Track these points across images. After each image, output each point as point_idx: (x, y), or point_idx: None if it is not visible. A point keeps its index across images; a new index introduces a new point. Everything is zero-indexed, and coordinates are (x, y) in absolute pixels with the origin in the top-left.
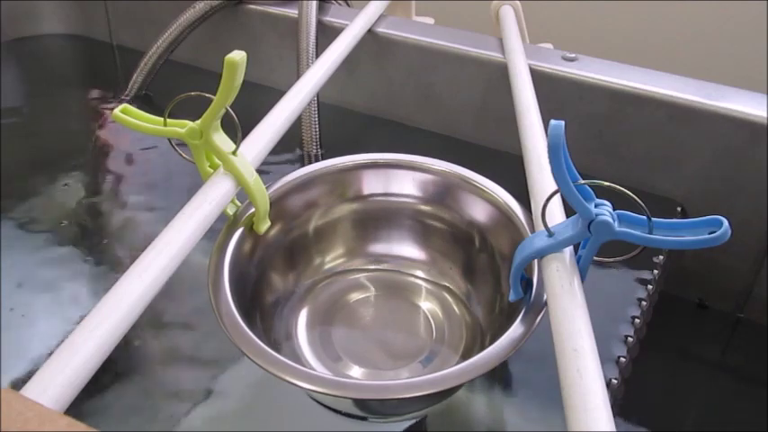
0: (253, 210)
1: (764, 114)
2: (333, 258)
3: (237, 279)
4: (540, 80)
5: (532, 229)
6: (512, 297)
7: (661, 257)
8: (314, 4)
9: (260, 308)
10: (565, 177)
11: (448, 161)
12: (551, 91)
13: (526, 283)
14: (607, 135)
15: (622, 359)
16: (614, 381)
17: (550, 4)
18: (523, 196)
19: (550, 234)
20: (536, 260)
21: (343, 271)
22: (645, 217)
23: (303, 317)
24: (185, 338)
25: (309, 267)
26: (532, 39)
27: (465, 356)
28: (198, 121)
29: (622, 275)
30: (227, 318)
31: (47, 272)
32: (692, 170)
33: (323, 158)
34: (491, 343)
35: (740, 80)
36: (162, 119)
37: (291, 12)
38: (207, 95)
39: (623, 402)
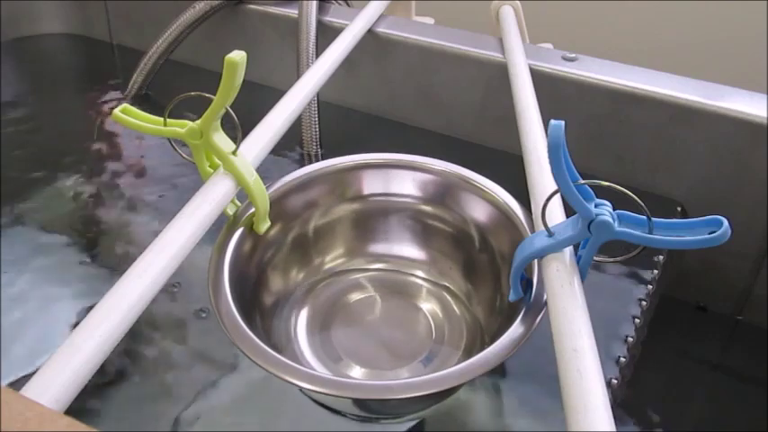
0: (253, 210)
1: (764, 114)
2: (333, 258)
3: (237, 279)
4: (540, 80)
5: (532, 229)
6: (512, 297)
7: (661, 257)
8: (314, 4)
9: (260, 308)
10: (565, 177)
11: (448, 161)
12: (551, 91)
13: (526, 282)
14: (607, 135)
15: (622, 359)
16: (614, 381)
17: (550, 4)
18: (523, 196)
19: (550, 234)
20: (536, 260)
21: (343, 271)
22: (645, 217)
23: (303, 317)
24: (185, 338)
25: (309, 267)
26: (532, 39)
27: (465, 356)
28: (198, 121)
29: (622, 275)
30: (227, 318)
31: (46, 271)
32: (692, 170)
33: (323, 158)
34: (491, 343)
35: (740, 80)
36: (162, 119)
37: (291, 12)
38: (207, 95)
39: (623, 402)
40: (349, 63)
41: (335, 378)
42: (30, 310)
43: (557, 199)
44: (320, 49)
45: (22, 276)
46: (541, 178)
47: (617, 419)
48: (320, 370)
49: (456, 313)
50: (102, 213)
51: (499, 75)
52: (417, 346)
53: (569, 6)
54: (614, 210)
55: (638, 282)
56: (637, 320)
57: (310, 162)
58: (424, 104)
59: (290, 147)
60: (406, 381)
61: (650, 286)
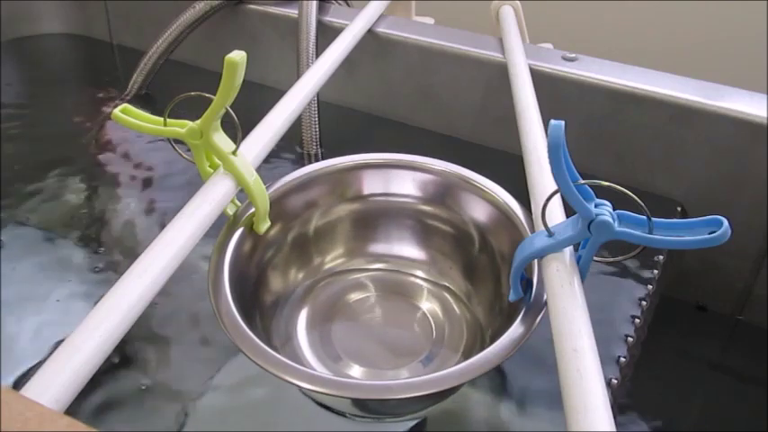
0: (253, 210)
1: (764, 114)
2: (333, 258)
3: (237, 279)
4: (540, 80)
5: (532, 229)
6: (512, 297)
7: (661, 257)
8: (314, 4)
9: (260, 308)
10: (565, 177)
11: (448, 161)
12: (551, 91)
13: (526, 282)
14: (607, 135)
15: (622, 359)
16: (614, 381)
17: (550, 4)
18: (523, 196)
19: (550, 234)
20: (536, 260)
21: (343, 271)
22: (645, 217)
23: (303, 317)
24: (185, 338)
25: (309, 267)
26: (532, 39)
27: (465, 356)
28: (198, 121)
29: (622, 275)
30: (227, 318)
31: (46, 271)
32: (692, 170)
33: (323, 158)
34: (491, 343)
35: (740, 80)
36: (162, 119)
37: (291, 12)
38: (207, 95)
39: (623, 402)
40: (349, 63)
41: (335, 378)
42: (29, 309)
43: (557, 199)
44: (320, 49)
45: (21, 276)
46: (541, 178)
47: (617, 419)
48: (320, 370)
49: (456, 313)
50: (102, 213)
51: (499, 75)
52: (417, 346)
53: (569, 6)
54: (614, 210)
55: (638, 282)
56: (637, 320)
57: (310, 162)
58: (424, 104)
59: (290, 147)
60: (406, 381)
61: (650, 286)
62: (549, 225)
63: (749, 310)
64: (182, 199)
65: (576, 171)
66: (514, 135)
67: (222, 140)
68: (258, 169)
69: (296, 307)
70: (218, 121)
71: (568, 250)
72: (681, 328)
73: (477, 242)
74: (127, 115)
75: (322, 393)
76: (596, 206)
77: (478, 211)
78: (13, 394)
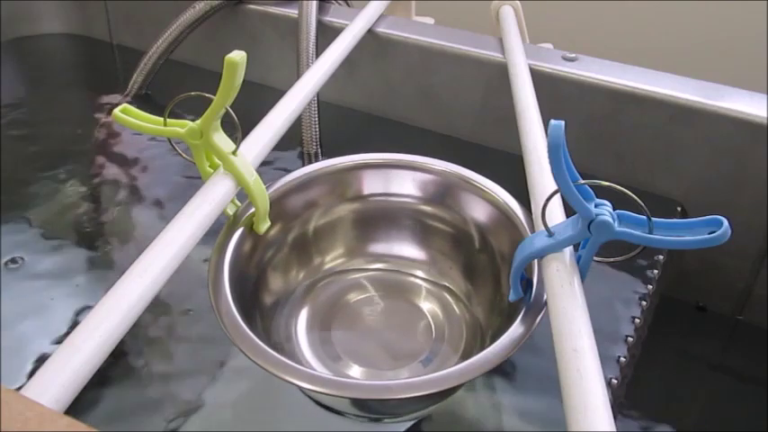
0: (253, 210)
1: (764, 114)
2: (333, 258)
3: (237, 279)
4: (540, 80)
5: (532, 229)
6: (512, 297)
7: (661, 257)
8: (314, 4)
9: (260, 308)
10: (565, 177)
11: (448, 161)
12: (551, 91)
13: (526, 282)
14: (607, 135)
15: (622, 359)
16: (614, 381)
17: (550, 4)
18: (523, 196)
19: (550, 234)
20: (536, 260)
21: (343, 271)
22: (645, 217)
23: (303, 317)
24: (185, 338)
25: (309, 267)
26: (532, 39)
27: (465, 356)
28: (198, 121)
29: (622, 275)
30: (227, 318)
31: (46, 271)
32: (692, 170)
33: (323, 158)
34: (491, 343)
35: (740, 80)
36: (162, 119)
37: (291, 12)
38: (207, 95)
39: (623, 402)
40: (349, 63)
41: (335, 378)
42: (29, 309)
43: (557, 199)
44: (320, 49)
45: (21, 276)
46: (541, 178)
47: (617, 419)
48: (320, 370)
49: (456, 313)
50: (103, 213)
51: (499, 75)
52: (417, 346)
53: (569, 6)
54: (614, 210)
55: (638, 282)
56: (637, 320)
57: (310, 162)
58: (424, 104)
59: (290, 147)
60: (406, 381)
61: (650, 286)
62: (549, 225)
63: (749, 310)
64: (182, 199)
65: (575, 171)
66: (514, 135)
67: (222, 140)
68: (258, 169)
69: (296, 307)
70: (218, 121)
71: (568, 250)
72: (681, 328)
73: (477, 242)
74: (127, 115)
75: (322, 393)
76: (596, 206)
77: (478, 211)
78: (13, 394)
